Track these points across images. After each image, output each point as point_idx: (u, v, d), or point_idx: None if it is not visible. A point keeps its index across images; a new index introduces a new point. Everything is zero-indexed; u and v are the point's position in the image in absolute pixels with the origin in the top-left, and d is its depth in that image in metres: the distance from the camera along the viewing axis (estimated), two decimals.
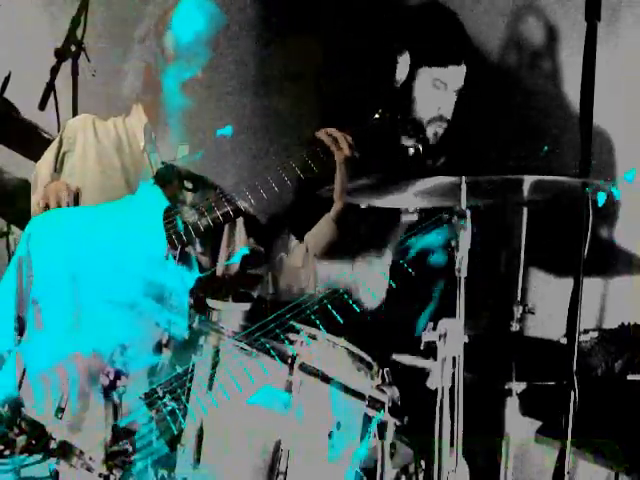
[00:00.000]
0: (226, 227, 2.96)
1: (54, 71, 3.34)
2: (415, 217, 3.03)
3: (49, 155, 3.00)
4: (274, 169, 2.80)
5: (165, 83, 2.87)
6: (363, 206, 2.96)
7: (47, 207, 2.80)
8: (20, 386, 2.32)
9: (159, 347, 2.28)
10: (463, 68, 3.02)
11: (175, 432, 2.20)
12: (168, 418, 2.20)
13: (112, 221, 2.61)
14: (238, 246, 2.98)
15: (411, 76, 3.00)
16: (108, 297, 2.37)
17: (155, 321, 2.30)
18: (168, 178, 2.84)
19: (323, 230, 2.98)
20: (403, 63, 3.00)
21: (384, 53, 3.06)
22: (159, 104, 2.92)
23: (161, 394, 2.21)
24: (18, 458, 2.25)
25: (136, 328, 2.32)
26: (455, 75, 3.01)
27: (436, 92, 3.01)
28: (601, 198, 2.17)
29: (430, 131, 3.05)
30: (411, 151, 3.06)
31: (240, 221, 2.97)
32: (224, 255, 2.96)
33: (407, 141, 3.08)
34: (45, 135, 3.33)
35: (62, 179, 2.92)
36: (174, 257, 2.68)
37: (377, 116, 2.97)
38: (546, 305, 2.93)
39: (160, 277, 2.46)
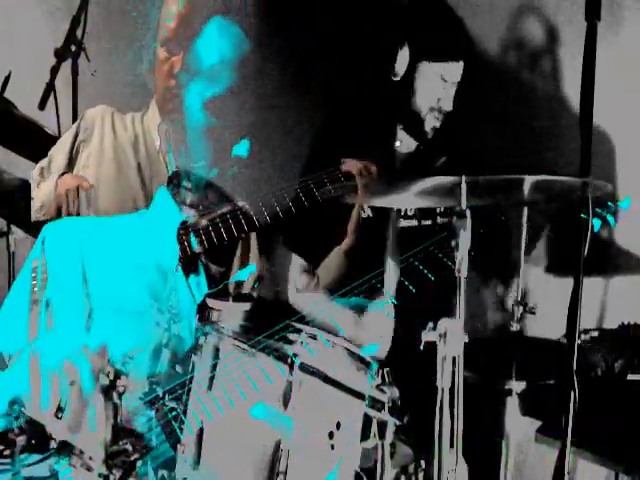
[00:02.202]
0: (240, 242, 2.94)
1: (54, 71, 3.34)
2: (414, 222, 3.04)
3: (65, 142, 3.00)
4: (292, 187, 2.81)
5: (187, 98, 2.87)
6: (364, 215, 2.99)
7: (59, 207, 2.81)
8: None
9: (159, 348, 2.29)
10: (461, 64, 3.05)
11: (175, 432, 2.20)
12: (168, 418, 2.20)
13: (126, 232, 2.63)
14: (252, 260, 2.95)
15: (412, 69, 3.02)
16: (117, 305, 2.38)
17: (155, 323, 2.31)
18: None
19: (334, 262, 2.97)
20: (402, 57, 3.03)
21: (383, 47, 3.09)
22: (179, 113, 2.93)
23: (161, 394, 2.21)
24: (18, 458, 2.25)
25: (142, 334, 2.33)
26: (454, 70, 3.05)
27: (436, 84, 3.04)
28: (597, 224, 2.20)
29: (428, 124, 3.07)
30: (397, 144, 3.08)
31: (254, 236, 2.95)
32: (236, 270, 2.93)
33: (404, 135, 3.10)
34: (48, 131, 3.33)
35: (76, 170, 2.93)
36: (184, 271, 2.67)
37: (398, 144, 3.03)
38: (546, 305, 2.93)
39: (169, 289, 2.47)
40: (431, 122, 3.07)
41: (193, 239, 2.72)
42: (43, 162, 3.03)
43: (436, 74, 3.02)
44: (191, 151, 2.93)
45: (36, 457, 2.25)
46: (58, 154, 3.01)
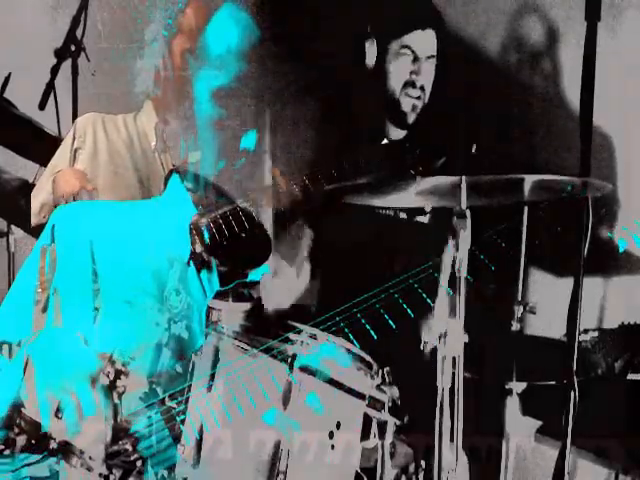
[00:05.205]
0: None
1: (54, 71, 3.35)
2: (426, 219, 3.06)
3: (64, 151, 3.00)
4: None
5: (196, 87, 2.86)
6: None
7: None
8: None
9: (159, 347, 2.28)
10: (430, 34, 3.07)
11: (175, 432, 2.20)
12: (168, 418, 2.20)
13: (137, 220, 2.58)
14: None
15: (382, 55, 3.05)
16: (125, 297, 2.35)
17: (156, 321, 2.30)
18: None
19: None
20: (371, 47, 3.07)
21: (354, 42, 3.12)
22: (181, 106, 2.92)
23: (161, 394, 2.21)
24: (18, 458, 2.25)
25: (148, 330, 2.31)
26: (422, 41, 3.07)
27: (406, 58, 3.07)
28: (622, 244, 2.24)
29: (405, 104, 3.08)
30: (385, 140, 3.10)
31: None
32: None
33: (388, 122, 3.14)
34: (48, 131, 3.33)
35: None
36: (195, 266, 2.65)
37: (385, 141, 3.04)
38: (546, 305, 2.93)
39: (181, 283, 2.45)
40: (408, 102, 3.09)
41: (206, 234, 2.70)
42: (47, 169, 3.02)
43: (405, 48, 3.05)
44: (200, 141, 2.91)
45: (36, 457, 2.25)
46: (60, 161, 3.00)
